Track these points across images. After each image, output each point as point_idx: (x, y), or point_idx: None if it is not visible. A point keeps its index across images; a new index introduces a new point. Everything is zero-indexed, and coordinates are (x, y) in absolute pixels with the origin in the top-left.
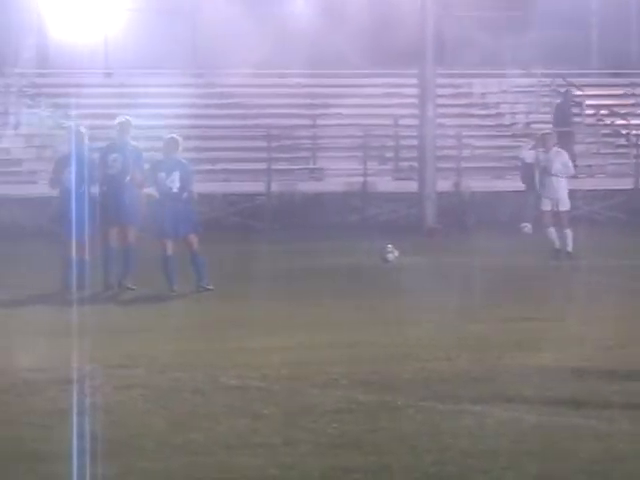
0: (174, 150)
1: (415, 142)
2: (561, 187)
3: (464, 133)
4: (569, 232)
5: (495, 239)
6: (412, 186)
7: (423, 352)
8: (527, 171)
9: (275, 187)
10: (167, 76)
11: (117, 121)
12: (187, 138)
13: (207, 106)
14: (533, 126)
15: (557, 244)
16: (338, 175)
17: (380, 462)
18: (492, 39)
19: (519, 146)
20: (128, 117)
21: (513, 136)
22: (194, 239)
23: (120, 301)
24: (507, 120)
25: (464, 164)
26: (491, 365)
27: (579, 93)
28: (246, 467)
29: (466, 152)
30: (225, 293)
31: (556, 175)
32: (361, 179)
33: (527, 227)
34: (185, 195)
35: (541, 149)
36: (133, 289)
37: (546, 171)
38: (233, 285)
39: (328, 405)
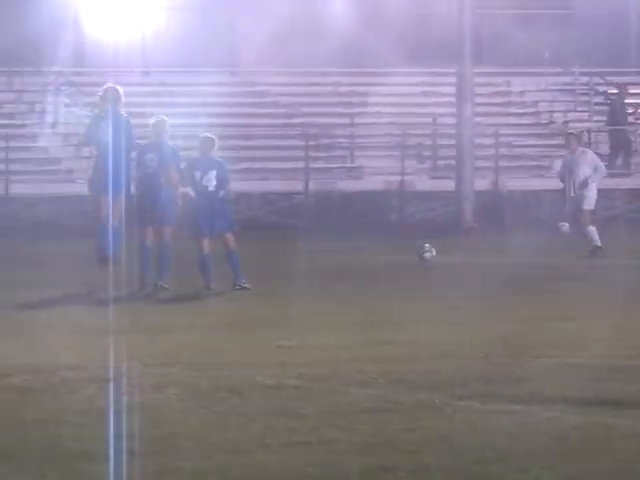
0: (210, 149)
1: (453, 141)
2: (589, 187)
3: (502, 132)
4: (590, 230)
5: (533, 238)
6: (450, 185)
7: (460, 351)
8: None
9: (313, 186)
10: (205, 75)
11: (153, 121)
12: (225, 137)
13: (245, 105)
14: (571, 125)
15: (598, 242)
16: (376, 174)
17: (418, 461)
18: (530, 37)
19: (557, 144)
20: (164, 116)
21: (551, 135)
22: (230, 237)
23: (156, 300)
24: (545, 119)
25: (502, 163)
26: (529, 364)
27: (616, 92)
28: (282, 466)
29: (504, 151)
30: (262, 291)
31: (585, 181)
32: (399, 178)
33: (565, 226)
34: (221, 193)
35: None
36: (167, 288)
37: (572, 172)
38: (270, 283)
39: (364, 404)
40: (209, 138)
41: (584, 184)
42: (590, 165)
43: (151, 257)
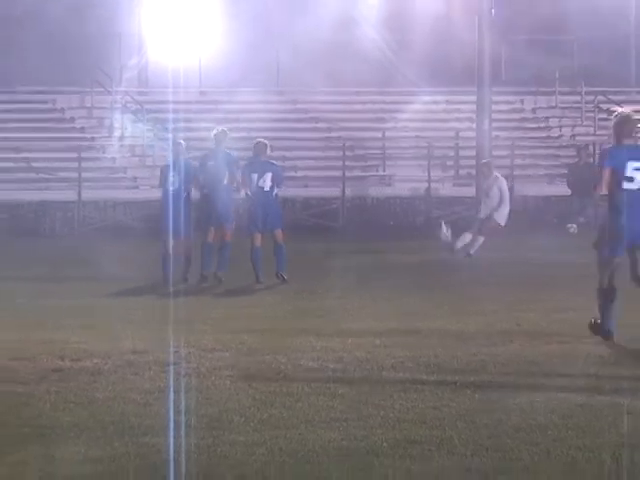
0: (264, 152)
1: (473, 152)
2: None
3: (516, 144)
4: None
5: (544, 238)
6: (470, 191)
7: (481, 338)
8: (572, 177)
9: (349, 192)
10: (254, 94)
11: (214, 132)
12: (272, 149)
13: (289, 120)
14: (577, 138)
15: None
16: (405, 181)
17: (442, 435)
18: (542, 60)
19: (565, 155)
20: (225, 128)
21: (559, 147)
22: (280, 233)
23: (213, 293)
24: (555, 133)
25: (516, 172)
26: (542, 350)
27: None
28: (322, 439)
29: (518, 161)
30: (304, 286)
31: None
32: (425, 185)
33: (573, 228)
34: (275, 192)
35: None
36: (222, 281)
37: (487, 195)
38: (312, 279)
39: (396, 385)
40: (262, 142)
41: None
42: (499, 191)
43: (212, 254)
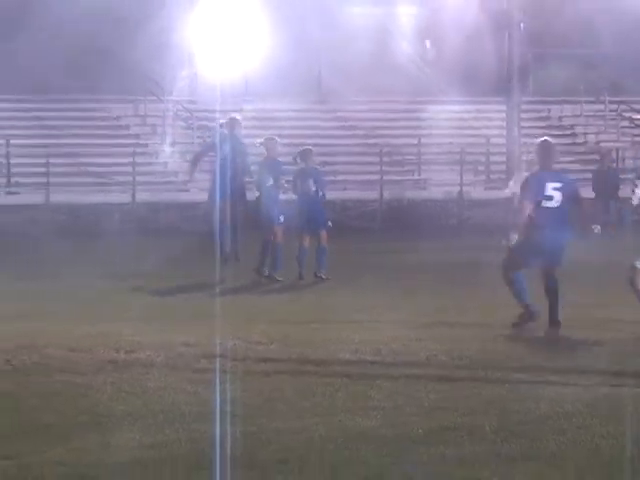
0: (310, 158)
1: (503, 158)
2: None
3: None
4: None
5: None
6: (500, 194)
7: (510, 331)
8: (596, 181)
9: (386, 195)
10: (296, 102)
11: (260, 141)
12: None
13: (329, 128)
14: (601, 144)
15: None
16: (439, 185)
17: (473, 422)
18: (568, 71)
19: (589, 160)
20: (275, 136)
21: (585, 152)
22: (324, 234)
23: (260, 289)
24: (580, 139)
25: None
26: (569, 341)
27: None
28: (361, 427)
29: None
30: (344, 283)
31: None
32: (458, 188)
33: (597, 228)
34: (321, 194)
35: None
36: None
37: None
38: (351, 276)
39: (430, 376)
40: (309, 149)
41: None
42: None
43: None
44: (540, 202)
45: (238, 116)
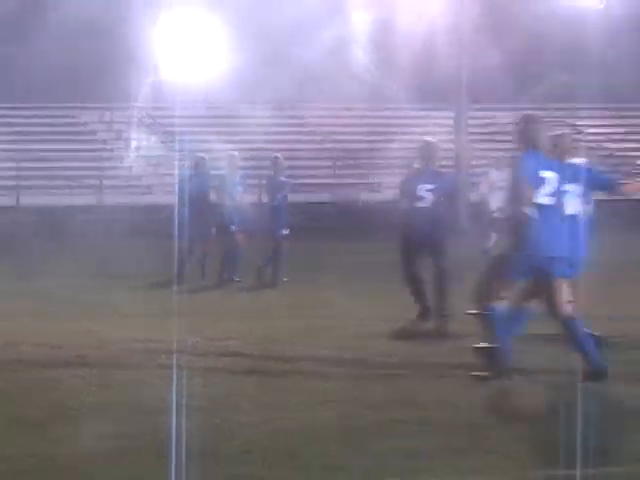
0: (281, 169)
1: (452, 162)
2: None
3: (491, 155)
4: None
5: None
6: None
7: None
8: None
9: (340, 197)
10: (255, 108)
11: (272, 157)
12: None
13: (287, 132)
14: None
15: None
16: (392, 187)
17: (423, 416)
18: (514, 80)
19: None
20: (278, 155)
21: None
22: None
23: (224, 288)
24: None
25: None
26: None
27: (581, 123)
28: (320, 419)
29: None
30: (302, 282)
31: None
32: None
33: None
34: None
35: None
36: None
37: None
38: (308, 276)
39: (382, 372)
40: (279, 158)
41: None
42: None
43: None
44: (413, 202)
45: (204, 156)
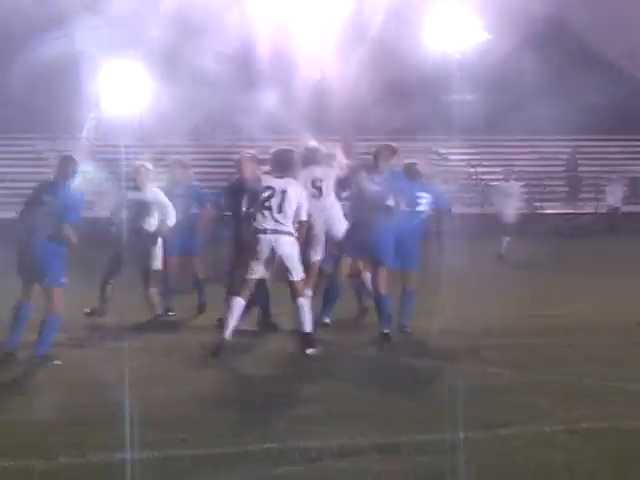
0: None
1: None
2: None
3: None
4: None
5: None
6: None
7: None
8: None
9: None
10: (186, 140)
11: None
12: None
13: (204, 159)
14: None
15: None
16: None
17: (305, 390)
18: (397, 113)
19: None
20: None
21: None
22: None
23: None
24: None
25: None
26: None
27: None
28: (225, 392)
29: None
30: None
31: None
32: None
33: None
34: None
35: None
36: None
37: None
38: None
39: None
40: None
41: None
42: None
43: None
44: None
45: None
